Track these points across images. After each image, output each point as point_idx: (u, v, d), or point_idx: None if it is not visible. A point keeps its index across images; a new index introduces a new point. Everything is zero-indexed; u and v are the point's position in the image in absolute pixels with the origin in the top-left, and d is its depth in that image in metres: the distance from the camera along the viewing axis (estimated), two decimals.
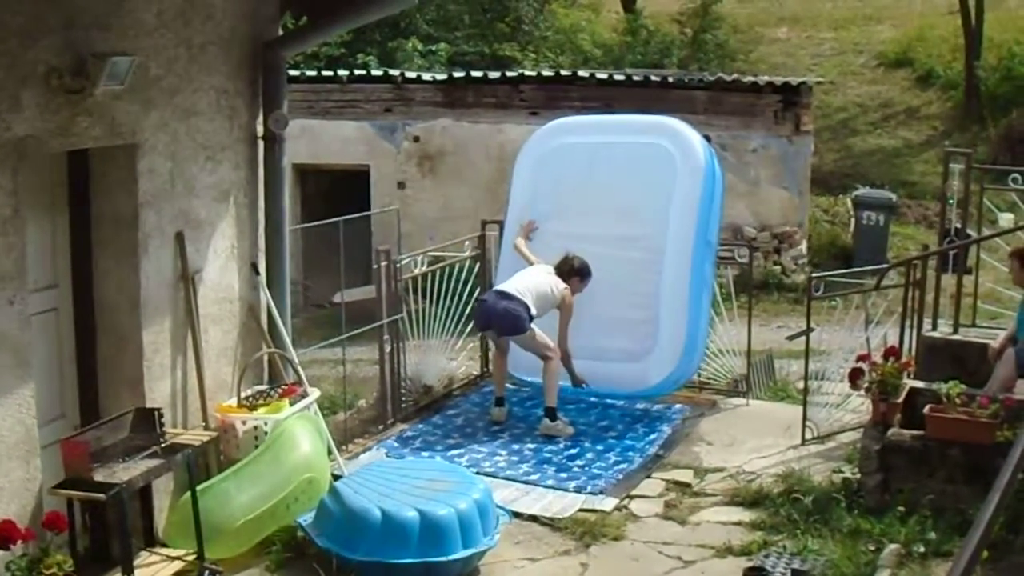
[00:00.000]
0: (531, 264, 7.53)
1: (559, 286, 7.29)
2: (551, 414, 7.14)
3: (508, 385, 7.68)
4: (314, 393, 6.00)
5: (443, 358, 8.02)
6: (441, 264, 8.01)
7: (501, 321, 7.16)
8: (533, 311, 7.14)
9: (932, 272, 7.15)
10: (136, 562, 4.70)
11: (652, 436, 7.12)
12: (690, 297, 7.25)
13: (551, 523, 5.83)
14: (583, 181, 7.66)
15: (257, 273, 6.06)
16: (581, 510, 5.97)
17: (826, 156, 16.70)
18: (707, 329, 7.63)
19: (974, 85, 17.45)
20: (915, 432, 5.80)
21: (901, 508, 5.56)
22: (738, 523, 5.80)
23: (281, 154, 6.10)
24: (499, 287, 7.34)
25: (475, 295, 8.06)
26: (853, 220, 13.87)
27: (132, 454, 4.73)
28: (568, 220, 7.65)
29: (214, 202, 5.68)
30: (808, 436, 6.85)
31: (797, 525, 5.62)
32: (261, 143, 6.04)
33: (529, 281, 7.28)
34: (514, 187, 8.07)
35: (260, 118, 6.03)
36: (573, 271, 7.39)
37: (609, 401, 7.72)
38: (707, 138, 12.49)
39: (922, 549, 5.24)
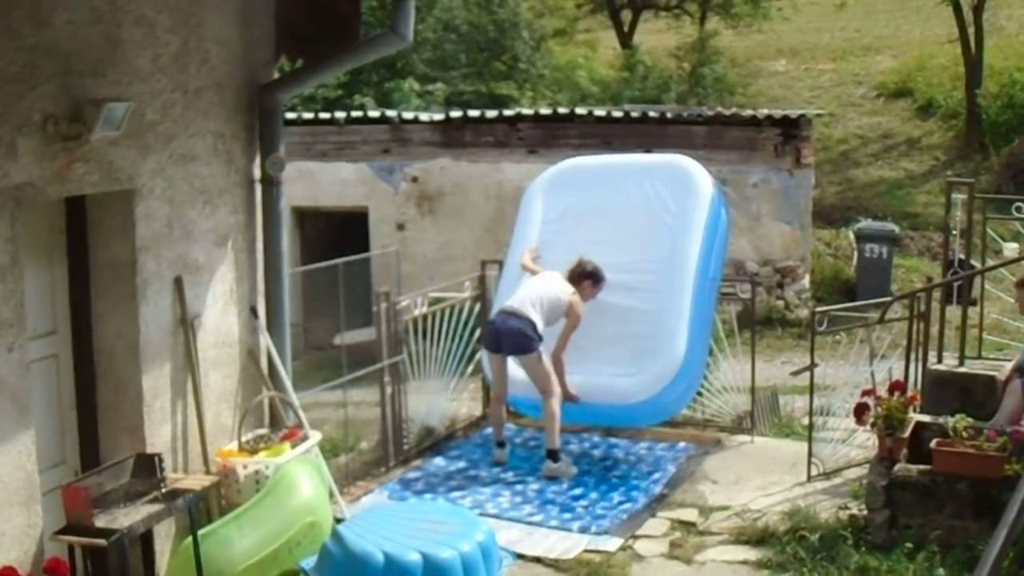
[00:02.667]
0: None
1: (567, 292, 7.26)
2: (553, 456, 7.16)
3: (509, 425, 7.72)
4: (315, 436, 6.02)
5: (444, 399, 8.04)
6: (441, 305, 8.05)
7: (509, 340, 7.17)
8: (540, 326, 7.11)
9: (937, 304, 7.18)
10: None
11: (656, 475, 7.14)
12: (690, 323, 7.24)
13: (555, 564, 5.84)
14: (590, 213, 7.72)
15: (256, 317, 6.09)
16: (585, 551, 5.98)
17: (827, 189, 16.77)
18: (704, 361, 7.64)
19: (975, 114, 17.52)
20: (922, 467, 5.81)
21: (909, 544, 5.56)
22: (744, 562, 5.81)
23: (279, 197, 6.14)
24: (506, 304, 7.32)
25: (475, 335, 8.10)
26: (856, 253, 13.90)
27: (133, 499, 4.76)
28: (573, 250, 7.65)
29: (212, 246, 5.72)
30: (814, 473, 6.87)
31: (804, 563, 5.63)
32: (259, 186, 6.08)
33: (536, 290, 7.24)
34: (517, 226, 8.12)
35: (257, 161, 6.07)
36: (585, 274, 7.35)
37: (613, 440, 7.75)
38: None
39: None
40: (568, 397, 7.33)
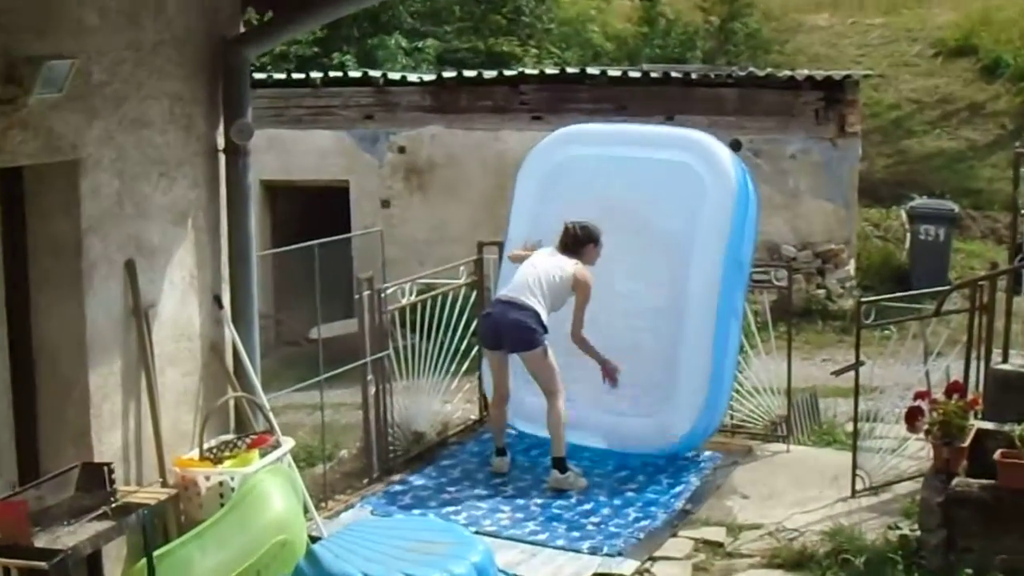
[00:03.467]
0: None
1: (568, 266, 7.25)
2: (560, 465, 7.17)
3: (510, 431, 7.71)
4: (288, 443, 6.03)
5: (436, 401, 8.06)
6: (433, 293, 8.05)
7: (511, 335, 7.18)
8: (545, 315, 7.12)
9: (1002, 294, 7.16)
10: None
11: (678, 488, 7.15)
12: (716, 337, 7.30)
13: None
14: (595, 201, 7.69)
15: (220, 306, 6.09)
16: (596, 574, 5.99)
17: (876, 161, 16.73)
18: (735, 367, 7.68)
19: None
20: (984, 481, 5.80)
21: (968, 571, 5.57)
22: None
23: (246, 169, 6.13)
24: (503, 293, 7.35)
25: (472, 328, 8.10)
26: (908, 235, 13.89)
27: (78, 516, 4.75)
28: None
29: (169, 225, 5.73)
30: (859, 487, 6.87)
31: None
32: (222, 157, 6.08)
33: (534, 273, 7.24)
34: (515, 206, 8.13)
35: (221, 128, 6.07)
36: (579, 240, 7.34)
37: None
38: (737, 144, 12.76)
39: None
40: (609, 373, 7.30)
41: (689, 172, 7.51)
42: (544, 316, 7.14)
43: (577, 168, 7.88)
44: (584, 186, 7.81)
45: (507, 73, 13.62)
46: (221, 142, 6.08)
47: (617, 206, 7.68)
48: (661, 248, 7.55)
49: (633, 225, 7.62)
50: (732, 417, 8.09)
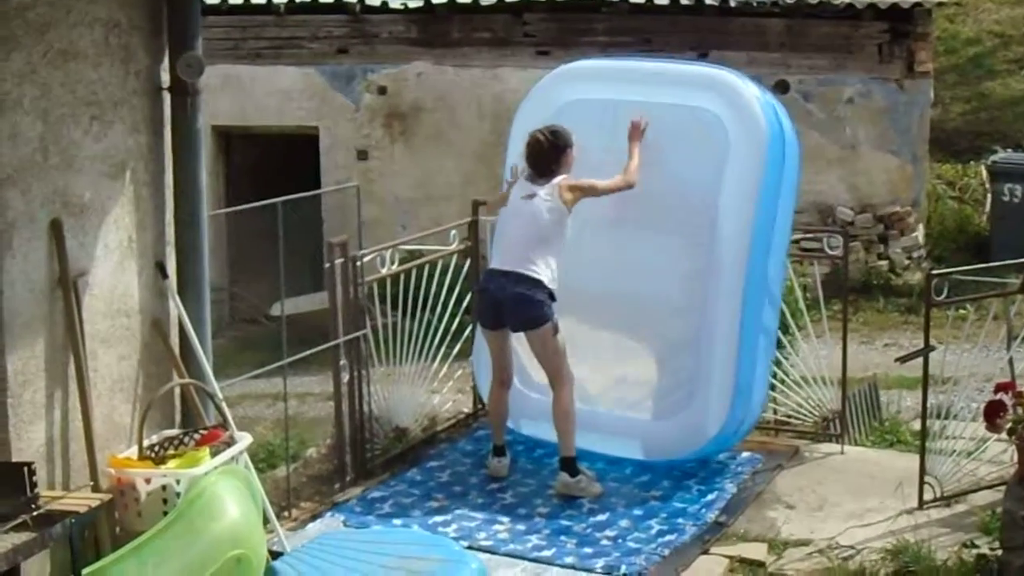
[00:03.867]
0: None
1: (552, 189, 7.19)
2: (569, 467, 7.18)
3: (511, 425, 7.72)
4: (244, 440, 6.02)
5: (422, 390, 8.08)
6: (418, 261, 8.05)
7: (514, 312, 7.19)
8: (549, 277, 7.13)
9: None
10: None
11: (710, 496, 7.16)
12: (745, 316, 7.29)
13: None
14: (602, 156, 7.65)
15: (164, 276, 6.07)
16: None
17: (951, 107, 16.71)
18: (773, 350, 7.69)
19: None
20: None
21: None
22: None
23: (195, 112, 6.09)
24: (496, 264, 7.36)
25: (465, 303, 8.09)
26: (989, 196, 13.90)
27: None
28: (578, 216, 7.64)
29: (104, 179, 5.69)
30: (927, 497, 6.88)
31: None
32: (167, 97, 6.04)
33: (521, 229, 7.21)
34: (511, 159, 8.09)
35: (165, 63, 6.02)
36: (556, 149, 7.27)
37: None
38: (784, 85, 12.73)
39: None
40: (636, 132, 7.41)
41: (710, 120, 7.46)
42: (549, 280, 7.14)
43: (581, 115, 7.76)
44: (588, 137, 7.72)
45: None
46: (166, 79, 6.03)
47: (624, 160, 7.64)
48: (679, 215, 7.50)
49: (646, 188, 7.57)
50: (775, 412, 8.11)
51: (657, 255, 7.55)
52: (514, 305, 7.16)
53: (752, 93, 7.55)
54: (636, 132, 7.44)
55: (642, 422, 7.54)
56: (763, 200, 7.33)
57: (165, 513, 5.45)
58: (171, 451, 5.77)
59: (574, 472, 7.18)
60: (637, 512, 6.99)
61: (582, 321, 7.53)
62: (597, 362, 7.59)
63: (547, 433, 7.45)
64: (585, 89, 7.94)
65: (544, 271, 7.14)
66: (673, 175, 7.54)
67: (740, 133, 7.39)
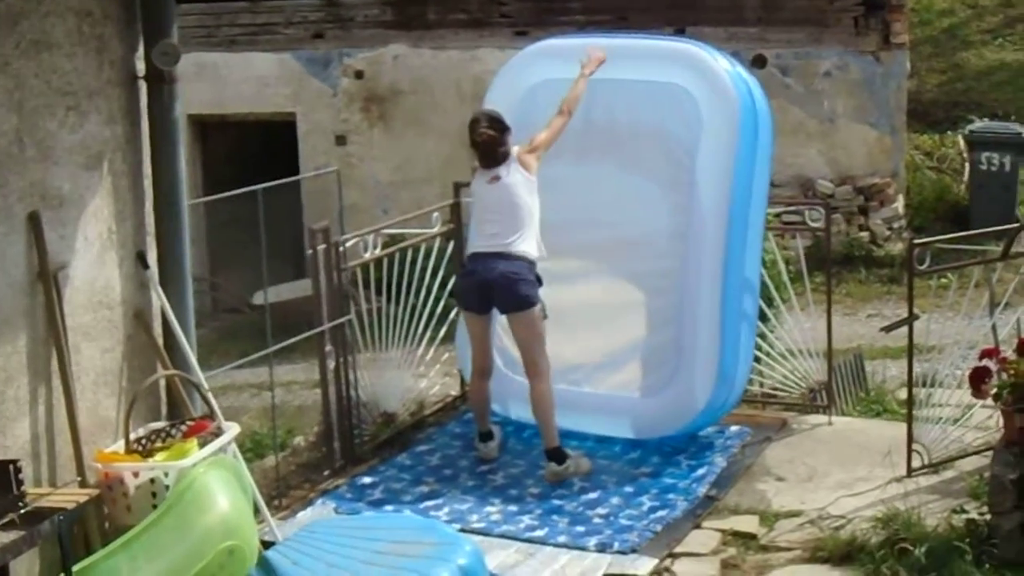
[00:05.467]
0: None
1: (518, 170, 7.17)
2: (557, 456, 7.15)
3: (498, 409, 7.71)
4: (232, 430, 5.99)
5: (408, 375, 8.08)
6: (401, 245, 8.03)
7: (503, 292, 7.14)
8: (535, 251, 7.14)
9: None
10: None
11: (700, 471, 7.17)
12: (726, 294, 7.27)
13: None
14: (575, 137, 7.59)
15: (145, 267, 6.04)
16: (607, 575, 6.00)
17: (928, 79, 16.73)
18: (755, 322, 7.67)
19: None
20: None
21: None
22: None
23: (172, 100, 6.06)
24: (478, 244, 7.31)
25: (449, 286, 8.06)
26: (967, 165, 13.91)
27: None
28: (555, 194, 7.56)
29: (81, 170, 5.66)
30: (916, 464, 6.89)
31: None
32: (143, 86, 6.01)
33: (500, 210, 7.18)
34: None
35: (140, 52, 5.99)
36: (504, 131, 7.21)
37: None
38: (761, 59, 12.72)
39: None
40: (590, 63, 7.43)
41: (681, 95, 7.43)
42: (535, 253, 7.15)
43: (551, 95, 7.67)
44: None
45: None
46: (141, 68, 6.00)
47: (600, 143, 7.64)
48: (655, 192, 7.50)
49: (620, 165, 7.56)
50: (762, 385, 8.11)
51: (634, 233, 7.53)
52: (504, 285, 7.12)
53: (722, 66, 7.50)
54: (590, 64, 7.42)
55: (630, 400, 7.54)
56: (739, 172, 7.31)
57: (154, 506, 5.42)
58: (158, 443, 5.76)
59: (562, 459, 7.16)
60: (628, 489, 6.99)
61: (568, 299, 7.51)
62: (583, 341, 7.58)
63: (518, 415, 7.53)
64: (555, 69, 7.84)
65: (530, 245, 7.14)
66: (647, 154, 7.53)
67: (712, 107, 7.36)
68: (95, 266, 5.75)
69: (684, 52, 7.73)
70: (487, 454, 7.46)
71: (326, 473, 7.31)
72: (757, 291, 7.68)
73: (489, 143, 7.24)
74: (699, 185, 7.32)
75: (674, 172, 7.45)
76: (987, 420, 6.88)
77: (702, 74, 7.45)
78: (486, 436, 7.52)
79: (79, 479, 5.53)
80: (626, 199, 7.59)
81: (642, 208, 7.55)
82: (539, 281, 7.15)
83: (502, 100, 7.83)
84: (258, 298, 10.56)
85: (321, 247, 7.20)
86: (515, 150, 7.24)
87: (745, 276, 7.45)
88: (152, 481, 5.50)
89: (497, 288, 7.16)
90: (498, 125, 7.24)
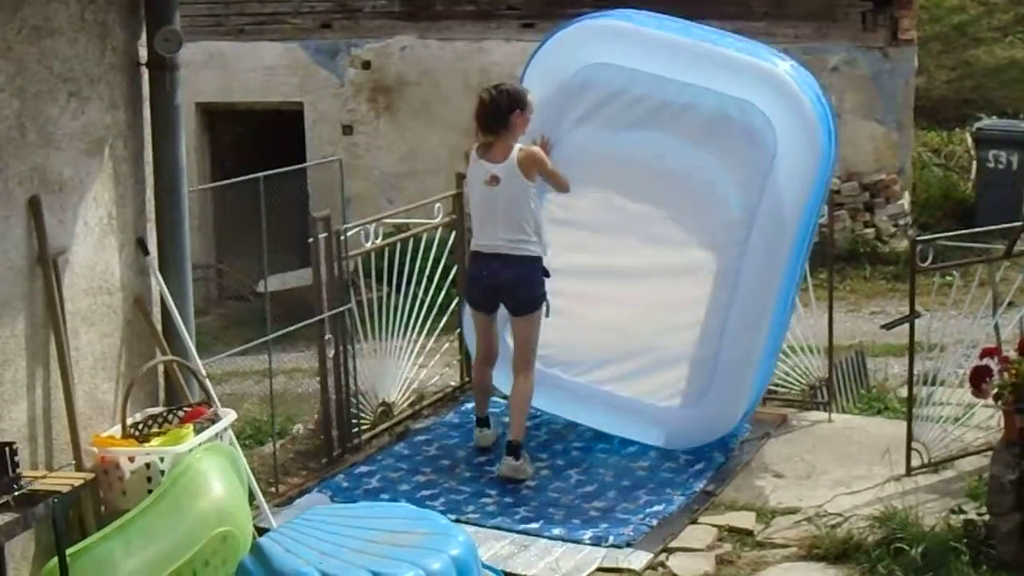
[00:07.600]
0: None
1: (517, 175, 7.03)
2: (515, 451, 7.08)
3: (496, 399, 7.73)
4: (229, 416, 6.00)
5: (408, 365, 8.08)
6: (404, 235, 8.03)
7: (513, 295, 7.14)
8: (540, 248, 7.10)
9: None
10: None
11: (698, 466, 7.17)
12: (776, 308, 7.22)
13: None
14: (621, 140, 7.47)
15: (146, 252, 6.05)
16: (601, 569, 6.01)
17: (936, 75, 16.69)
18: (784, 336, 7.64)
19: None
20: None
21: None
22: None
23: (174, 87, 6.07)
24: (482, 244, 7.21)
25: (451, 276, 8.06)
26: (975, 163, 13.89)
27: None
28: (592, 202, 7.54)
29: (82, 155, 5.67)
30: (915, 463, 6.89)
31: None
32: (145, 72, 6.02)
33: (499, 212, 7.09)
34: None
35: (143, 38, 6.00)
36: (513, 104, 7.06)
37: None
38: None
39: None
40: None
41: (756, 117, 7.07)
42: (540, 248, 7.11)
43: (604, 81, 7.44)
44: (613, 115, 7.47)
45: None
46: (143, 54, 6.01)
47: (655, 152, 7.42)
48: (701, 210, 7.37)
49: (673, 179, 7.39)
50: None
51: (681, 255, 7.46)
52: (513, 288, 7.13)
53: (807, 89, 7.14)
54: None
55: (668, 409, 7.41)
56: (806, 214, 7.16)
57: (150, 491, 5.45)
58: (155, 429, 5.78)
59: (519, 455, 7.11)
60: (625, 483, 7.00)
61: (609, 303, 7.51)
62: (624, 347, 7.49)
63: (538, 404, 7.50)
64: (610, 52, 7.44)
65: (534, 242, 7.11)
66: (705, 172, 7.30)
67: (787, 137, 7.03)
68: (95, 251, 5.77)
69: (765, 69, 7.20)
70: (483, 441, 7.47)
71: (324, 461, 7.32)
72: (792, 300, 7.55)
73: (490, 105, 7.08)
74: (761, 215, 7.10)
75: (737, 194, 7.23)
76: (988, 420, 6.88)
77: (782, 97, 7.07)
78: (483, 422, 7.53)
79: (75, 463, 5.55)
80: (678, 218, 7.48)
81: (700, 219, 7.43)
82: (545, 274, 7.14)
83: (543, 80, 7.52)
84: (260, 286, 10.57)
85: (324, 235, 7.20)
86: (516, 150, 7.09)
87: (792, 296, 7.39)
88: (148, 466, 5.52)
89: (506, 292, 7.15)
90: (509, 96, 7.09)
